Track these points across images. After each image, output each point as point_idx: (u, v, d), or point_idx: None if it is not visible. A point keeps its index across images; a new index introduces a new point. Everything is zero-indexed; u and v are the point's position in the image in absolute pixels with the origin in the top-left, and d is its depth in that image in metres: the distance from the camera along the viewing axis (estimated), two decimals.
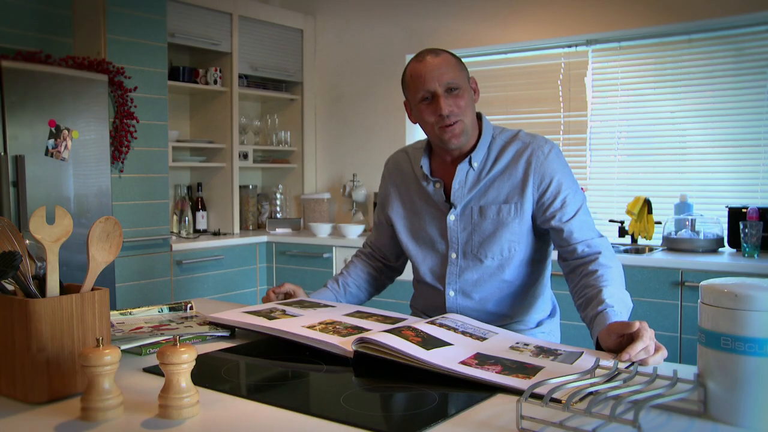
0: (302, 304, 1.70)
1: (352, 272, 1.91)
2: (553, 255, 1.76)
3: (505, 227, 1.64)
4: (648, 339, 1.25)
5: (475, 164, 1.66)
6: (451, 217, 1.69)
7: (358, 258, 1.96)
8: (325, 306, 1.69)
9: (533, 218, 1.66)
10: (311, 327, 1.42)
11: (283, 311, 1.59)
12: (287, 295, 1.80)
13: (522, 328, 1.72)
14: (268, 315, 1.54)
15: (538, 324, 1.75)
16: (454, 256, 1.69)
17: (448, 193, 1.70)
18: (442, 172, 1.72)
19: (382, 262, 1.95)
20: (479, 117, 1.71)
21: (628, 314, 1.49)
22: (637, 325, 1.28)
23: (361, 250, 1.98)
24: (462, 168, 1.67)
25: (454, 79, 1.59)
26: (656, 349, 1.26)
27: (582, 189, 1.72)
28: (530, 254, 1.69)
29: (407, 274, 2.92)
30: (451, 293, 1.71)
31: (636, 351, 1.23)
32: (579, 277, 1.60)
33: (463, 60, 1.72)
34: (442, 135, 1.62)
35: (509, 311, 1.71)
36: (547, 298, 1.78)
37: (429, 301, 1.78)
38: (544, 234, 1.70)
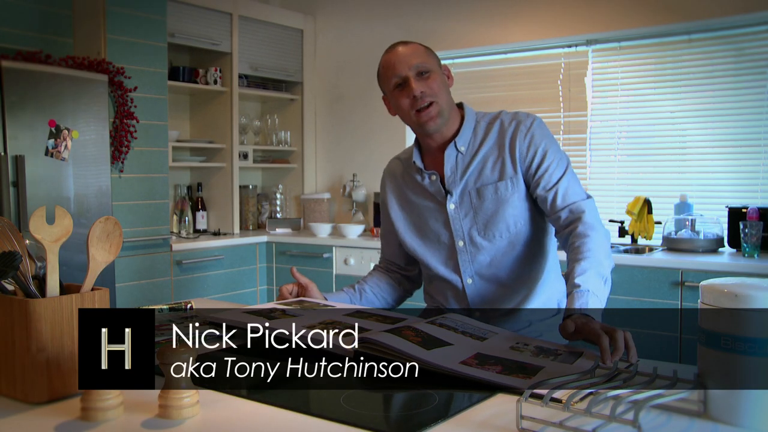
0: (302, 304, 1.70)
1: (369, 280, 1.90)
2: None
3: (506, 203, 1.67)
4: (604, 339, 1.23)
5: (462, 148, 1.70)
6: (451, 206, 1.71)
7: (375, 270, 1.96)
8: (325, 306, 1.69)
9: (528, 190, 1.69)
10: (311, 327, 1.42)
11: (283, 311, 1.59)
12: (300, 288, 1.78)
13: (542, 318, 1.72)
14: (268, 315, 1.54)
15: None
16: (461, 243, 1.71)
17: (444, 183, 1.73)
18: (435, 165, 1.75)
19: (399, 273, 1.94)
20: (461, 105, 1.75)
21: (601, 285, 1.46)
22: (571, 327, 1.30)
23: (378, 265, 1.98)
24: (450, 154, 1.70)
25: (423, 62, 1.64)
26: (624, 338, 1.24)
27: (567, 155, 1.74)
28: (536, 229, 1.71)
29: None
30: (469, 280, 1.73)
31: (607, 356, 1.21)
32: (565, 244, 1.62)
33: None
34: (418, 119, 1.66)
35: (526, 289, 1.72)
36: (559, 274, 1.80)
37: (448, 294, 1.78)
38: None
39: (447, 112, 1.67)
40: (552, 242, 1.79)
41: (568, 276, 1.50)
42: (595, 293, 1.43)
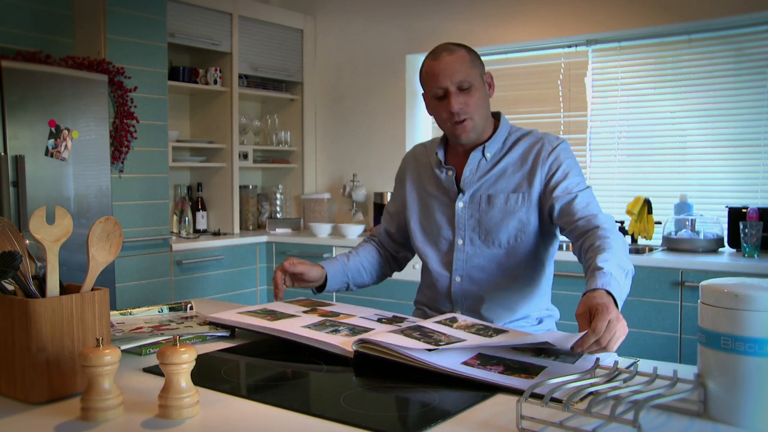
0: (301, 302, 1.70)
1: (362, 252, 1.92)
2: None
3: (513, 216, 1.69)
4: (601, 329, 1.19)
5: (488, 154, 1.73)
6: (460, 204, 1.74)
7: (368, 243, 1.97)
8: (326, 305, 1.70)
9: (540, 205, 1.69)
10: (311, 327, 1.42)
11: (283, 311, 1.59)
12: (295, 276, 1.74)
13: (524, 325, 1.73)
14: (268, 315, 1.54)
15: (540, 322, 1.77)
16: (460, 242, 1.74)
17: (459, 181, 1.76)
18: (455, 162, 1.78)
19: (390, 253, 1.97)
20: (498, 114, 1.79)
21: (623, 275, 1.41)
22: (598, 305, 1.24)
23: (371, 237, 1.99)
24: (475, 156, 1.73)
25: (466, 77, 1.65)
26: (613, 332, 1.20)
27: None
28: (536, 248, 1.72)
29: (410, 275, 2.94)
30: (458, 279, 1.74)
31: (588, 344, 1.20)
32: (580, 250, 1.58)
33: None
34: (454, 131, 1.69)
35: (511, 303, 1.72)
36: (547, 297, 1.81)
37: (435, 289, 1.79)
38: (549, 229, 1.73)
39: (481, 126, 1.70)
40: (550, 267, 1.78)
41: (588, 266, 1.44)
42: (617, 280, 1.37)
